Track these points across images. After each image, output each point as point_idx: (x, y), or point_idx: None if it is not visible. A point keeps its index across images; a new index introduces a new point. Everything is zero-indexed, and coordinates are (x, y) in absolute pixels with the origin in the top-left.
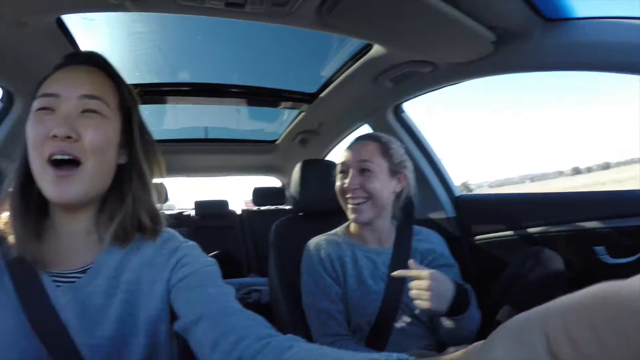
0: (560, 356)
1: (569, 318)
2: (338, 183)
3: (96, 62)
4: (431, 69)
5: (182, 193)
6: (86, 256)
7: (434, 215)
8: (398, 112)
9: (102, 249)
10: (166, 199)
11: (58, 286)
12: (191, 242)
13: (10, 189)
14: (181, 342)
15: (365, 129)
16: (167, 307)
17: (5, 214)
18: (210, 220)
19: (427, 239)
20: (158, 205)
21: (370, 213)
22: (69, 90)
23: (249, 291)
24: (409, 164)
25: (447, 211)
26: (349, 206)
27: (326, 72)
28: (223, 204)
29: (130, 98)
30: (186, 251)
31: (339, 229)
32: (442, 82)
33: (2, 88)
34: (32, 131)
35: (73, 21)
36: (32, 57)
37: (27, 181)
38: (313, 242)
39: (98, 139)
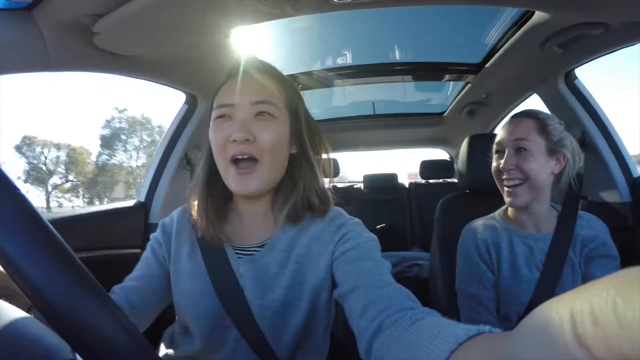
0: (585, 336)
1: (595, 299)
2: (494, 164)
3: (261, 68)
4: (602, 30)
5: (350, 165)
6: (264, 233)
7: (606, 198)
8: (570, 79)
9: (277, 227)
10: (337, 174)
11: (240, 257)
12: (356, 219)
13: (197, 184)
14: (339, 309)
15: (534, 99)
16: (329, 277)
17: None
18: (378, 193)
19: (590, 224)
20: (327, 180)
21: (526, 196)
22: (242, 98)
23: (410, 265)
24: (568, 143)
25: (622, 195)
26: (505, 189)
27: (489, 40)
28: (392, 177)
29: (295, 95)
30: (350, 227)
31: (497, 212)
32: (616, 44)
33: (187, 93)
34: (214, 136)
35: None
36: (210, 66)
37: (212, 175)
38: (471, 225)
39: (271, 138)
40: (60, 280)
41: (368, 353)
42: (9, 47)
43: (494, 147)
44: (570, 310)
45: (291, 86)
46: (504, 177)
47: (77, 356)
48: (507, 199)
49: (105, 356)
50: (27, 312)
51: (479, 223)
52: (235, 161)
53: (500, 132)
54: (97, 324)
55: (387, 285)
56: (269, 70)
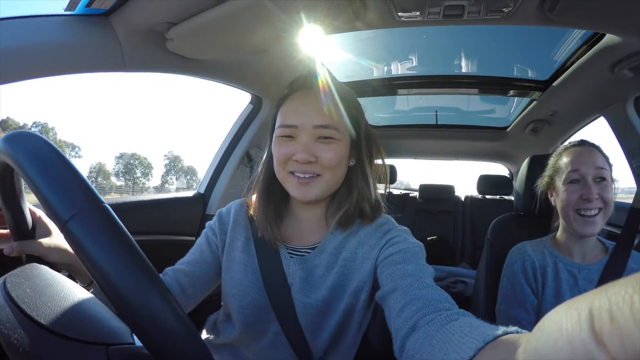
0: (602, 333)
1: (613, 297)
2: (566, 194)
3: (326, 87)
4: None
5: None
6: (315, 237)
7: None
8: None
9: (328, 232)
10: (393, 180)
11: (291, 257)
12: (403, 227)
13: (258, 182)
14: (379, 312)
15: (600, 122)
16: (371, 280)
17: (254, 197)
18: (432, 203)
19: (636, 260)
20: (382, 186)
21: (601, 225)
22: (305, 121)
23: (456, 281)
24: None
25: None
26: (583, 219)
27: (558, 57)
28: (449, 189)
29: (357, 113)
30: (396, 233)
31: (545, 237)
32: None
33: (253, 94)
34: (277, 153)
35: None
36: (276, 70)
37: (272, 179)
38: (518, 247)
39: (333, 159)
40: (125, 269)
41: (401, 351)
42: (88, 49)
43: (567, 176)
44: (589, 307)
45: (354, 105)
46: (584, 206)
47: (135, 339)
48: (579, 227)
49: (158, 338)
50: (88, 287)
51: (526, 245)
52: (295, 173)
53: (571, 160)
54: (152, 308)
55: (427, 287)
56: (334, 91)
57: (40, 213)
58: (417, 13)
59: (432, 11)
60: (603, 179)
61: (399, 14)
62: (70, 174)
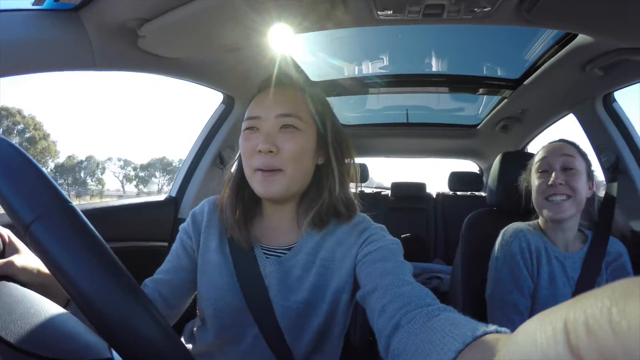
0: (578, 347)
1: (589, 309)
2: (538, 182)
3: (288, 82)
4: None
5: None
6: (291, 236)
7: (635, 226)
8: (608, 101)
9: (301, 232)
10: (365, 179)
11: (267, 258)
12: (379, 225)
13: (229, 181)
14: (360, 311)
15: (569, 119)
16: (352, 279)
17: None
18: (404, 201)
19: (613, 246)
20: (353, 185)
21: (570, 211)
22: (267, 111)
23: (430, 277)
24: (595, 173)
25: None
26: (551, 204)
27: (530, 56)
28: (420, 186)
29: (323, 107)
30: (374, 231)
31: (533, 222)
32: None
33: (225, 94)
34: (243, 146)
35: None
36: (248, 68)
37: (243, 179)
38: (512, 227)
39: (295, 150)
40: (98, 276)
41: (387, 351)
42: (56, 46)
43: (536, 166)
44: (564, 320)
45: (319, 98)
46: (551, 192)
47: (114, 354)
48: (550, 214)
49: (139, 351)
50: (64, 307)
51: (520, 226)
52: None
53: (542, 152)
54: (132, 318)
55: (407, 284)
56: (298, 83)
57: (9, 233)
58: (397, 12)
59: (412, 10)
60: (570, 168)
61: (379, 12)
62: (34, 174)
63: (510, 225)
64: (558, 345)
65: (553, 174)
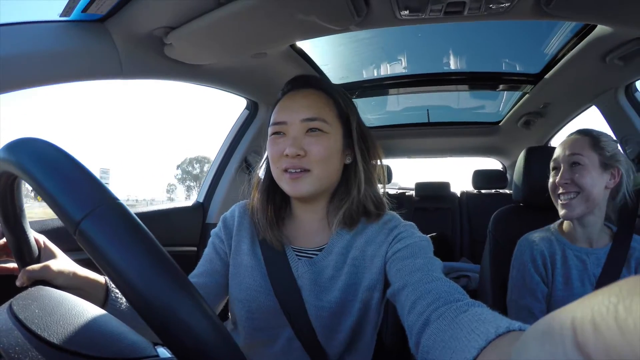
0: (586, 344)
1: (596, 307)
2: (550, 180)
3: (312, 84)
4: None
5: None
6: (321, 237)
7: None
8: (630, 92)
9: (332, 232)
10: (389, 180)
11: (299, 259)
12: (409, 222)
13: (258, 185)
14: (391, 309)
15: (592, 112)
16: (382, 277)
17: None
18: (429, 201)
19: (638, 240)
20: (380, 186)
21: (580, 208)
22: (293, 116)
23: (458, 276)
24: (623, 158)
25: None
26: (560, 202)
27: (549, 50)
28: (444, 185)
29: (348, 108)
30: (403, 229)
31: (552, 225)
32: None
33: (249, 100)
34: (270, 151)
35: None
36: (272, 75)
37: (272, 181)
38: (527, 237)
39: (321, 153)
40: (152, 270)
41: (417, 347)
42: (84, 56)
43: (551, 164)
44: (571, 318)
45: (344, 100)
46: (560, 191)
47: (160, 352)
48: (561, 212)
49: (190, 346)
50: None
51: (534, 235)
52: (287, 169)
53: (556, 150)
54: (185, 313)
55: (435, 280)
56: (321, 86)
57: (44, 239)
58: (419, 11)
59: (434, 8)
60: (577, 163)
61: (402, 12)
62: (80, 173)
63: (525, 235)
64: (566, 343)
65: (561, 173)
